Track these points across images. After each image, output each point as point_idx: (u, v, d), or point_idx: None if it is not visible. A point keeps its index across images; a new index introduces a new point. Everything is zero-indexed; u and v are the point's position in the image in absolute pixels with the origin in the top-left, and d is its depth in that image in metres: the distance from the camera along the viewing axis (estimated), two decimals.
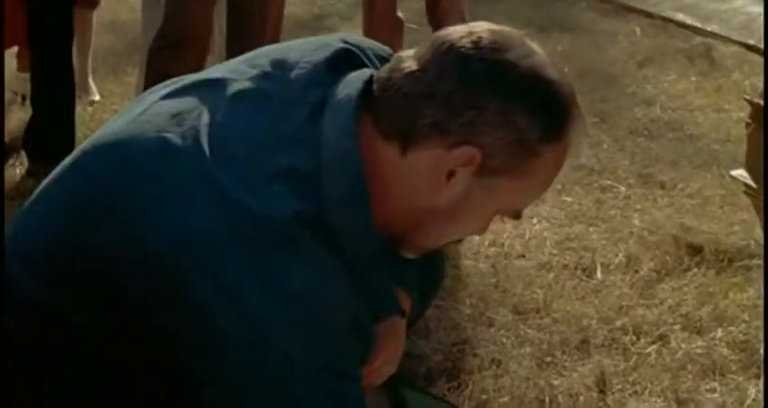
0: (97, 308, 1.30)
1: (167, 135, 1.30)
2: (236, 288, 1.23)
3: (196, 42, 3.37)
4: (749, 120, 3.16)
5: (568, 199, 3.62)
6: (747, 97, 3.24)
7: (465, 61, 1.30)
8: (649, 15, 5.88)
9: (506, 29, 1.35)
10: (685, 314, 2.89)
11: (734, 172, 3.27)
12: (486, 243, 3.25)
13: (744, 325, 2.84)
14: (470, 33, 1.32)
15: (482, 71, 1.29)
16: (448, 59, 1.30)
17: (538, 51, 1.34)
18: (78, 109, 3.91)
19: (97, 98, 4.47)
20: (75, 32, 4.39)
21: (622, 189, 3.72)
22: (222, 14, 3.62)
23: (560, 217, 3.49)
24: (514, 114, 1.28)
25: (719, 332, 2.81)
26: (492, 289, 2.99)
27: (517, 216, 1.42)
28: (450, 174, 1.31)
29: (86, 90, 4.43)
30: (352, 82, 1.35)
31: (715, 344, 2.76)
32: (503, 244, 3.26)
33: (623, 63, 5.11)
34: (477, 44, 1.30)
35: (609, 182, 3.77)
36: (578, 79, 4.57)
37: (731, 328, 2.82)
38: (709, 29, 5.62)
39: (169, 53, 3.34)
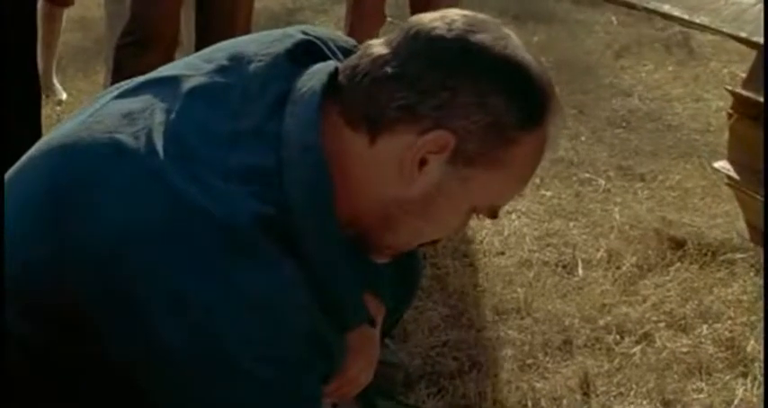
0: (43, 321, 1.25)
1: (118, 135, 1.24)
2: (185, 294, 1.16)
3: (163, 39, 3.29)
4: (731, 111, 3.09)
5: (547, 194, 3.55)
6: (729, 87, 3.17)
7: (437, 41, 1.24)
8: (632, 6, 5.68)
9: (480, 14, 1.30)
10: (669, 312, 2.83)
11: (716, 164, 3.20)
12: (465, 240, 3.18)
13: (729, 322, 2.78)
14: (442, 17, 1.26)
15: (455, 50, 1.23)
16: (419, 41, 1.24)
17: (512, 36, 1.28)
18: (47, 109, 3.82)
19: (64, 97, 4.38)
20: (43, 30, 4.30)
21: (602, 182, 3.66)
22: (191, 8, 3.55)
23: (539, 212, 3.43)
24: (490, 96, 1.22)
25: (705, 330, 2.75)
26: (471, 289, 2.92)
27: (494, 214, 1.34)
28: (423, 163, 1.23)
29: (52, 89, 4.34)
30: (317, 74, 1.28)
31: (700, 342, 2.70)
32: (481, 242, 3.19)
33: (600, 53, 5.05)
34: (449, 25, 1.25)
35: (588, 175, 3.71)
36: (555, 70, 4.50)
37: (716, 325, 2.76)
38: (697, 21, 5.40)
39: (135, 50, 3.28)
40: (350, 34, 2.57)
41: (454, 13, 1.27)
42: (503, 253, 3.14)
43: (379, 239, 1.32)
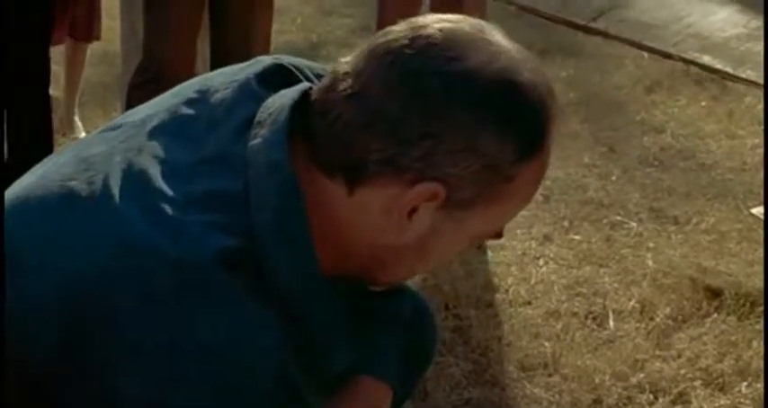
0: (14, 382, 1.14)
1: (72, 183, 1.16)
2: (140, 344, 1.06)
3: (177, 77, 3.17)
4: None
5: (577, 238, 3.41)
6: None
7: (413, 77, 1.07)
8: (668, 56, 5.30)
9: (464, 25, 1.12)
10: (705, 368, 2.67)
11: (753, 211, 3.06)
12: (489, 288, 3.04)
13: None
14: (417, 37, 1.09)
15: (435, 88, 1.07)
16: (392, 76, 1.08)
17: (505, 48, 1.10)
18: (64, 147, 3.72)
19: (83, 135, 4.29)
20: (67, 65, 4.23)
21: (633, 225, 3.51)
22: (205, 45, 3.46)
23: (568, 257, 3.28)
24: (480, 137, 1.07)
25: (744, 388, 2.60)
26: (495, 343, 2.77)
27: (497, 236, 1.22)
28: (412, 210, 1.11)
29: (71, 126, 4.26)
30: (287, 93, 1.16)
31: (739, 402, 2.55)
32: (507, 291, 3.04)
33: (630, 88, 4.89)
34: (426, 53, 1.08)
35: (619, 218, 3.56)
36: (584, 106, 4.37)
37: (756, 384, 2.61)
38: (743, 76, 5.02)
39: (149, 89, 3.17)
40: None
41: (432, 31, 1.09)
42: (529, 303, 2.99)
43: (371, 278, 1.22)
